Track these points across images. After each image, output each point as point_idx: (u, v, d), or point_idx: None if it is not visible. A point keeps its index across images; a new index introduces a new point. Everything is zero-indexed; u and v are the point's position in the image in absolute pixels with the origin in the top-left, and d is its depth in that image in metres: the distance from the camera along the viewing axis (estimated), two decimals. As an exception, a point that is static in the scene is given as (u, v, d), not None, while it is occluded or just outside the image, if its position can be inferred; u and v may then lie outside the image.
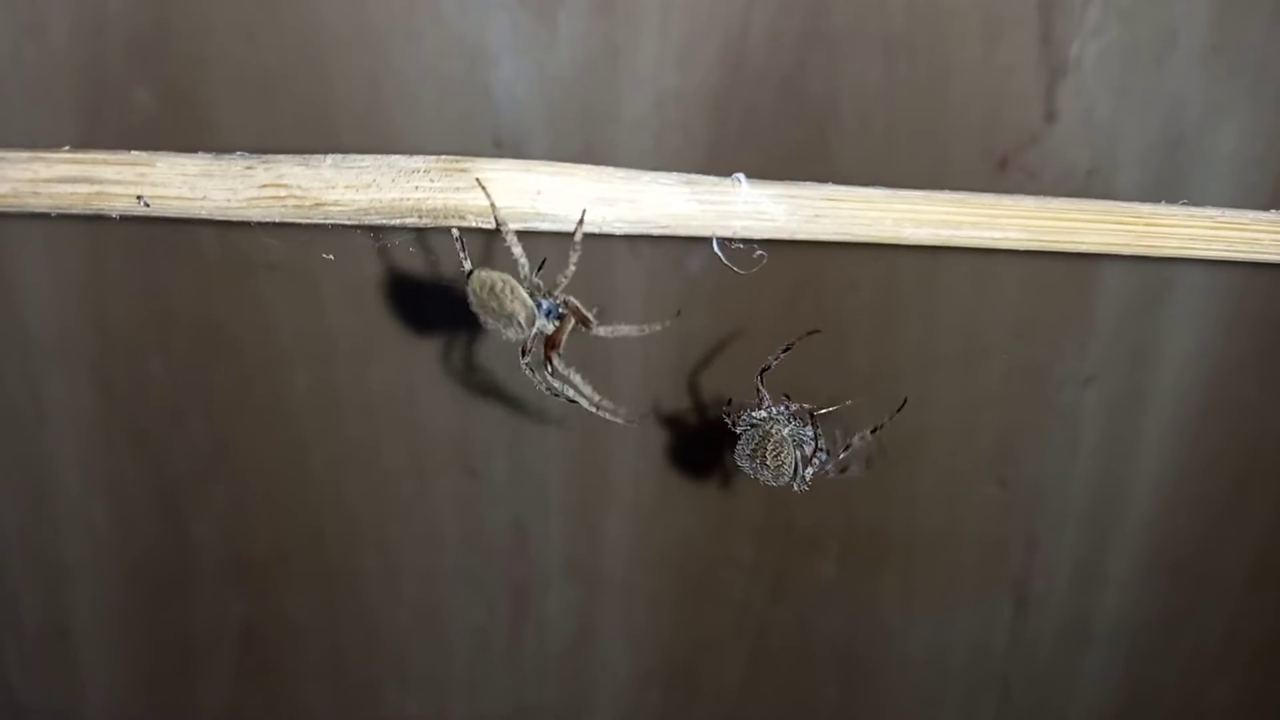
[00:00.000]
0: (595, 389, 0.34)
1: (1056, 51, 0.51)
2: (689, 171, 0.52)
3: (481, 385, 0.57)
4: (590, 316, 0.32)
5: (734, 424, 0.40)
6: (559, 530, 0.61)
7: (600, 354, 0.55)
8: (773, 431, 0.39)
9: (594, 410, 0.35)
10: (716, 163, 0.52)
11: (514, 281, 0.32)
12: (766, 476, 0.40)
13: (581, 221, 0.28)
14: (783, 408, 0.40)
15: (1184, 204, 0.29)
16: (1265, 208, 0.54)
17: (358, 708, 0.65)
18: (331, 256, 0.38)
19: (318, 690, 0.65)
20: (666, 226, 0.29)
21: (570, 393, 0.34)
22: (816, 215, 0.28)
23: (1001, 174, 0.53)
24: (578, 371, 0.34)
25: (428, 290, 0.53)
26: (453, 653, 0.64)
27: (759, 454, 0.39)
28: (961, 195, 0.29)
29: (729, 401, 0.41)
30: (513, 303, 0.32)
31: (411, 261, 0.52)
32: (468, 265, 0.32)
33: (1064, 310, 0.58)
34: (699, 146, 0.52)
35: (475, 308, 0.33)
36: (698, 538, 0.62)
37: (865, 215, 0.28)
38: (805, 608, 0.65)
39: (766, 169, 0.52)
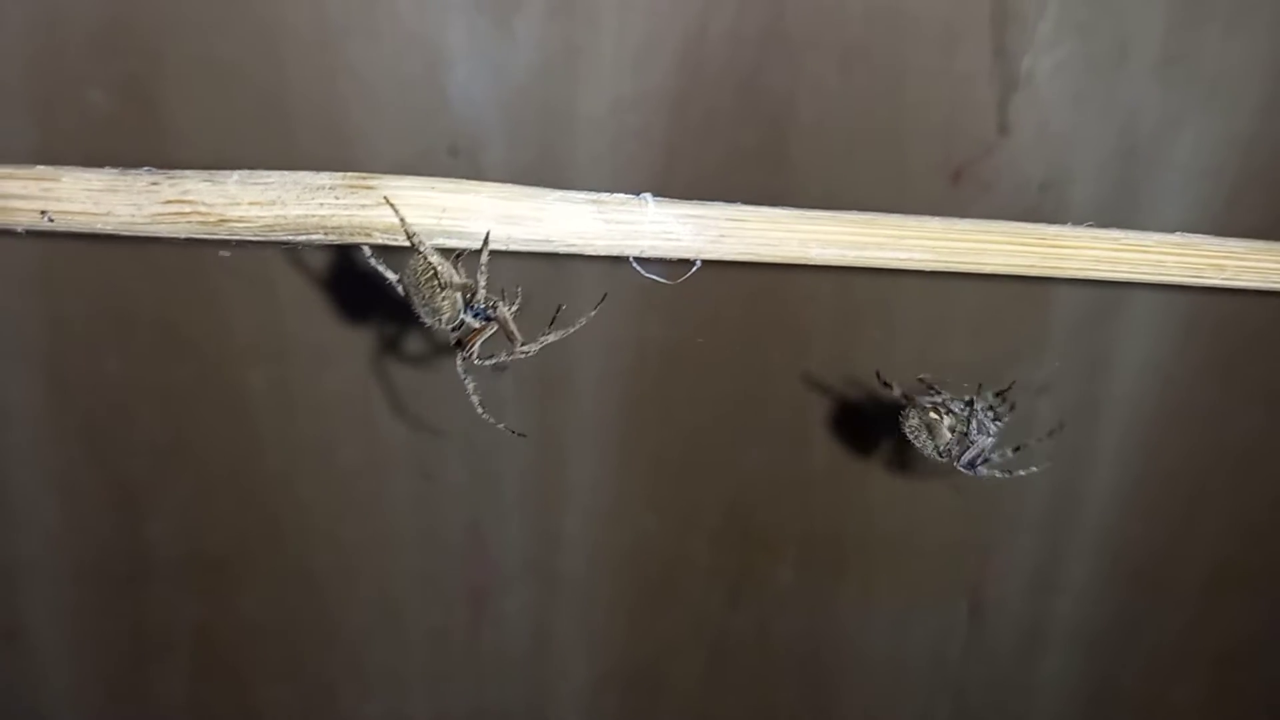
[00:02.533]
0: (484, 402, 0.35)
1: (1009, 65, 0.51)
2: (648, 172, 0.53)
3: (437, 389, 0.57)
4: (516, 333, 0.33)
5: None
6: (516, 532, 0.61)
7: (559, 356, 0.55)
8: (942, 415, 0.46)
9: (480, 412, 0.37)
10: (674, 165, 0.53)
11: (451, 277, 0.32)
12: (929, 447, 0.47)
13: (486, 244, 0.28)
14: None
15: (1089, 225, 0.29)
16: (1220, 218, 0.55)
17: (316, 708, 0.65)
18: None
19: (275, 690, 0.65)
20: (573, 245, 0.29)
21: (470, 387, 0.36)
22: (722, 235, 0.28)
23: (955, 186, 0.53)
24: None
25: (385, 294, 0.53)
26: (411, 653, 0.65)
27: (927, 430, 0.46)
28: (867, 215, 0.29)
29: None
30: (441, 300, 0.32)
31: (367, 266, 0.52)
32: (391, 276, 0.32)
33: (1019, 320, 0.58)
34: (656, 149, 0.52)
35: (408, 286, 0.33)
36: (656, 540, 0.62)
37: (770, 235, 0.28)
38: (764, 611, 0.65)
39: (724, 170, 0.53)
